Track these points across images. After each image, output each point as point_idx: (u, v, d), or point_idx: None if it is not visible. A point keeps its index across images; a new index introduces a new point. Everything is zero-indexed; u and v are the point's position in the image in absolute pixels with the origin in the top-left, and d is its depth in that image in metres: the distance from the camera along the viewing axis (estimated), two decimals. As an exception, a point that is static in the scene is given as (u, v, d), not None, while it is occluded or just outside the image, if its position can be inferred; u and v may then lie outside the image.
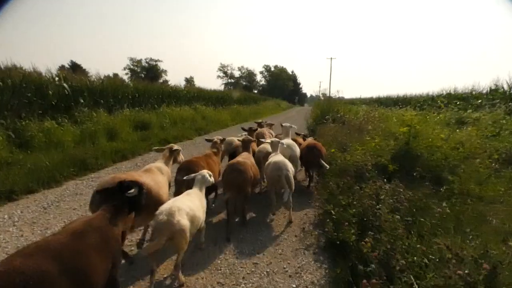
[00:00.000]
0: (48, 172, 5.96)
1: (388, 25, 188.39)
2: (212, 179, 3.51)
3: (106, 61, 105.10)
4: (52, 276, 1.55)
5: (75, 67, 48.49)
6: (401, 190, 3.54)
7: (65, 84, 9.21)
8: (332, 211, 3.68)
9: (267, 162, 4.57)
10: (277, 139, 5.16)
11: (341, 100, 14.85)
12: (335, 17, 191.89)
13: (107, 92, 11.28)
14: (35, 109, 7.81)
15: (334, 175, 5.01)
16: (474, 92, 15.45)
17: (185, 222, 2.68)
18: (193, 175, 3.47)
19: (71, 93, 9.38)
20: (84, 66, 45.43)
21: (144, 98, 13.15)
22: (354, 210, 3.42)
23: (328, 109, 13.91)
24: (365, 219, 3.21)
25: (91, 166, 6.96)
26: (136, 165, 7.71)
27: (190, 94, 18.25)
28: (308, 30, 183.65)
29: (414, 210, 3.42)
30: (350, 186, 4.13)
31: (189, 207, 2.85)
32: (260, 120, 9.74)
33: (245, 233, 4.07)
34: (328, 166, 5.10)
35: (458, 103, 15.15)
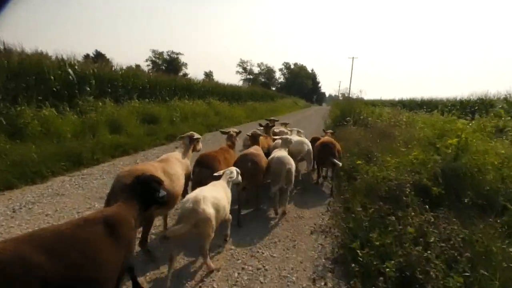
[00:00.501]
0: (35, 165, 5.32)
1: (412, 25, 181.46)
2: (240, 178, 3.58)
3: (130, 52, 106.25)
4: (31, 262, 1.47)
5: (99, 57, 49.12)
6: (456, 227, 2.57)
7: (70, 70, 8.60)
8: (359, 251, 2.70)
9: (270, 157, 4.59)
10: (288, 137, 5.11)
11: (360, 101, 13.63)
12: (358, 16, 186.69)
13: (117, 81, 10.67)
14: (33, 95, 7.20)
15: (359, 192, 4.05)
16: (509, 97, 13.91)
17: (210, 210, 2.73)
18: (222, 171, 3.54)
19: (76, 80, 8.77)
20: (108, 56, 45.97)
21: (156, 90, 12.46)
22: (392, 260, 2.41)
23: (349, 110, 12.81)
24: (408, 273, 2.27)
25: (86, 161, 6.30)
26: (136, 161, 7.00)
27: (205, 88, 17.50)
28: (330, 29, 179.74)
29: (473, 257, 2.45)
30: (383, 215, 3.18)
31: (214, 197, 2.89)
32: (272, 118, 9.05)
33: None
34: (340, 164, 5.14)
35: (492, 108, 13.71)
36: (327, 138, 6.16)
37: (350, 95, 14.28)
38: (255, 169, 4.03)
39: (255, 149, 4.62)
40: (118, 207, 2.11)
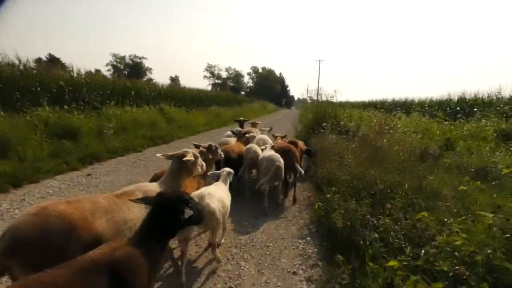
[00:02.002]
0: None
1: (377, 26, 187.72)
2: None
3: (89, 57, 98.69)
4: None
5: (53, 61, 44.06)
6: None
7: None
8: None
9: (261, 157, 4.87)
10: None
11: (335, 103, 11.67)
12: (323, 20, 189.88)
13: (14, 82, 7.66)
14: None
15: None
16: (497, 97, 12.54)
17: (214, 205, 2.79)
18: (218, 171, 3.64)
19: None
20: (63, 60, 41.26)
21: (81, 94, 9.48)
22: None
23: (323, 114, 10.67)
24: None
25: None
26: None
27: (155, 92, 14.63)
28: (297, 33, 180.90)
29: None
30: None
31: (219, 195, 3.01)
32: (241, 118, 8.88)
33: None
34: (303, 172, 5.23)
35: (476, 109, 12.27)
36: (282, 142, 6.02)
37: (322, 97, 11.88)
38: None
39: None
40: (135, 243, 1.66)
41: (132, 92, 12.88)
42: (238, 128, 6.65)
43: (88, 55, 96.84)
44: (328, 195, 4.01)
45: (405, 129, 8.43)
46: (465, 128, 8.81)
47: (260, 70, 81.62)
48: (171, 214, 1.82)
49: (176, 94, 16.79)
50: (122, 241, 1.71)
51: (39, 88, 7.98)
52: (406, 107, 18.06)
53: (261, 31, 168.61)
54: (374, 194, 3.62)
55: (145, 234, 1.75)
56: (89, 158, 7.04)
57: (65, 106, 8.49)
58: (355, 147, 6.27)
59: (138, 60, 64.39)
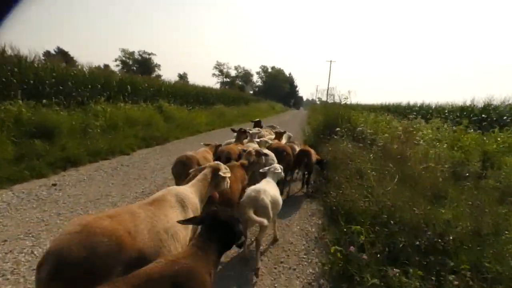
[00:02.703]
0: None
1: (391, 29, 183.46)
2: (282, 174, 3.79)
3: (99, 52, 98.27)
4: None
5: (62, 54, 43.58)
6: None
7: None
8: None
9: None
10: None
11: (349, 106, 10.40)
12: (336, 21, 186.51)
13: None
14: None
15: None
16: None
17: (267, 201, 2.97)
18: (266, 168, 3.70)
19: None
20: (72, 54, 40.79)
21: (66, 87, 8.42)
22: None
23: (336, 117, 9.44)
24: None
25: None
26: None
27: (155, 88, 13.55)
28: (308, 33, 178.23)
29: None
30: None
31: (273, 192, 3.20)
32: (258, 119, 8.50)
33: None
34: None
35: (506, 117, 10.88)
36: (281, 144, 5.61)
37: (334, 98, 10.55)
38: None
39: None
40: (193, 257, 1.62)
41: (128, 87, 11.86)
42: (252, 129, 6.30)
43: (98, 50, 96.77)
44: (347, 237, 2.85)
45: (433, 139, 7.18)
46: (499, 139, 7.49)
47: (270, 70, 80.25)
48: (227, 234, 1.81)
49: (178, 91, 15.72)
50: (178, 255, 1.67)
51: (13, 79, 6.93)
52: (423, 112, 16.65)
53: (271, 30, 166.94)
54: (422, 250, 2.42)
55: (201, 249, 1.70)
56: (63, 162, 5.98)
57: (44, 101, 7.44)
58: (376, 161, 5.07)
59: (147, 56, 63.66)
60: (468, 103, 13.67)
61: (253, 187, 3.12)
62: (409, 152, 5.50)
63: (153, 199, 2.19)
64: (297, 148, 5.81)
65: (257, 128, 7.06)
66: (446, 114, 14.00)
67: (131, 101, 11.39)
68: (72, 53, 41.40)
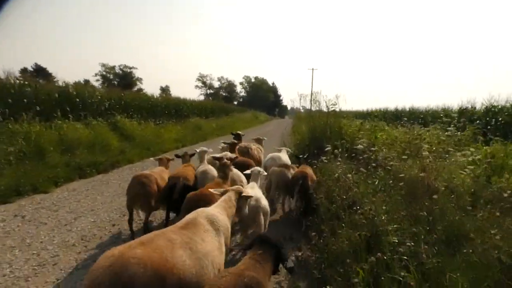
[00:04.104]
0: None
1: (369, 34, 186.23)
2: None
3: (77, 67, 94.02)
4: None
5: (39, 71, 40.76)
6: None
7: None
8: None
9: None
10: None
11: (338, 114, 8.57)
12: (316, 30, 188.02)
13: None
14: None
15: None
16: None
17: (267, 205, 3.30)
18: (249, 171, 3.79)
19: None
20: (50, 70, 38.16)
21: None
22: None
23: (323, 128, 7.58)
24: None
25: None
26: None
27: (111, 101, 11.34)
28: (289, 41, 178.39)
29: None
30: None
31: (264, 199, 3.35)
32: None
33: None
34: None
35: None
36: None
37: (319, 105, 8.65)
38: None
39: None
40: (255, 269, 1.74)
41: (77, 100, 9.69)
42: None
43: (77, 66, 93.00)
44: None
45: (446, 152, 5.35)
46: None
47: (253, 80, 79.10)
48: (276, 253, 1.97)
49: (143, 104, 13.57)
50: (238, 268, 1.77)
51: None
52: (413, 117, 15.12)
53: (253, 40, 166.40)
54: None
55: (259, 262, 1.82)
56: None
57: None
58: (395, 204, 3.15)
59: (128, 70, 61.26)
60: (465, 105, 12.08)
61: (252, 192, 2.97)
62: (436, 182, 3.63)
63: (186, 223, 2.01)
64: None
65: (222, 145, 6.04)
66: (443, 119, 12.39)
67: (76, 117, 9.18)
68: (50, 69, 38.84)
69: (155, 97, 16.21)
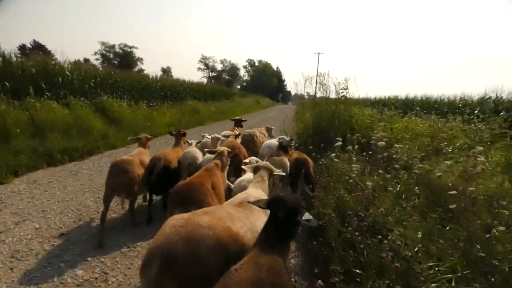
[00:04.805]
0: None
1: (378, 20, 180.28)
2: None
3: (79, 46, 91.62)
4: None
5: (38, 48, 39.44)
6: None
7: None
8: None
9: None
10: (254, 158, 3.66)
11: (348, 101, 7.53)
12: (322, 13, 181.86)
13: None
14: None
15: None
16: None
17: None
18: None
19: None
20: (49, 47, 36.82)
21: None
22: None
23: (331, 117, 6.58)
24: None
25: None
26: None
27: (97, 80, 10.29)
28: (295, 24, 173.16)
29: None
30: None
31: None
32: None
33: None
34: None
35: None
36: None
37: (328, 90, 7.56)
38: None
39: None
40: (270, 256, 1.46)
41: (60, 79, 8.68)
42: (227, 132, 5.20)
43: (79, 45, 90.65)
44: None
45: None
46: None
47: (257, 63, 77.06)
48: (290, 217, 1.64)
49: (135, 83, 12.50)
50: (254, 250, 1.53)
51: None
52: (428, 107, 13.97)
53: (258, 22, 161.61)
54: None
55: (275, 239, 1.59)
56: None
57: None
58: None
59: (128, 50, 59.59)
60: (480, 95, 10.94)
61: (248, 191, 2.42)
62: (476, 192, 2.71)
63: (239, 201, 2.09)
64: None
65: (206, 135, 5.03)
66: (462, 109, 11.23)
67: (54, 96, 8.20)
68: (49, 46, 37.52)
69: (151, 77, 15.09)
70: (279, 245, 1.56)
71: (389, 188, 3.12)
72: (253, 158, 3.52)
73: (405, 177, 3.46)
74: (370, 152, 4.07)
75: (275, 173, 2.66)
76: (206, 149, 3.78)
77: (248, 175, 3.13)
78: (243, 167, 3.39)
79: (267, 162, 2.87)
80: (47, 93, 8.10)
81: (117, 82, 11.42)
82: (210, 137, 4.70)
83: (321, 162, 4.55)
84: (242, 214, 1.90)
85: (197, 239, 1.51)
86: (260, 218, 1.95)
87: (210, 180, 2.66)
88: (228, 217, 1.77)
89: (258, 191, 2.33)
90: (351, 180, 3.08)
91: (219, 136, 4.66)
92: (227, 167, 3.28)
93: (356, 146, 4.38)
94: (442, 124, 6.65)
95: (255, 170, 2.65)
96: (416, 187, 3.29)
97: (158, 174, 3.47)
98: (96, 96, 9.72)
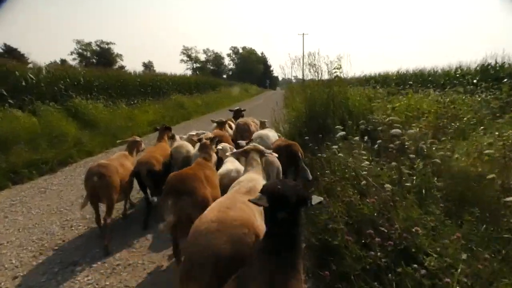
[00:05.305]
0: None
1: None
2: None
3: (52, 47, 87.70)
4: None
5: (9, 52, 37.31)
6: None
7: None
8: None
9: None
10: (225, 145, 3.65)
11: (343, 81, 6.93)
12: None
13: None
14: None
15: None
16: None
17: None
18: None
19: None
20: (22, 51, 34.67)
21: None
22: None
23: (327, 100, 6.00)
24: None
25: None
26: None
27: (66, 81, 9.40)
28: (277, 7, 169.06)
29: None
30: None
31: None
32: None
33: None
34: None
35: None
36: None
37: (320, 71, 6.95)
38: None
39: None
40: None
41: (23, 81, 7.83)
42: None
43: (53, 45, 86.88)
44: None
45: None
46: None
47: (241, 51, 75.38)
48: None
49: (110, 81, 11.60)
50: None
51: None
52: (422, 80, 13.46)
53: (238, 7, 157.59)
54: None
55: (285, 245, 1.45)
56: None
57: None
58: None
59: (106, 46, 57.25)
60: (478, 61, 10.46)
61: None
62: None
63: (247, 190, 2.06)
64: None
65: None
66: (460, 79, 10.70)
67: (19, 104, 7.38)
68: (23, 50, 35.41)
69: (129, 73, 14.18)
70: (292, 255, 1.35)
71: (406, 184, 2.59)
72: (225, 145, 3.48)
73: (420, 167, 2.93)
74: (379, 140, 3.49)
75: (266, 154, 2.63)
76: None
77: (234, 165, 3.10)
78: (220, 155, 3.37)
79: (256, 144, 2.78)
80: (9, 100, 7.29)
81: (91, 82, 10.54)
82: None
83: (319, 155, 4.00)
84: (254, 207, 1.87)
85: (238, 238, 1.52)
86: None
87: (203, 172, 2.65)
88: (248, 209, 1.77)
89: (261, 178, 2.30)
90: (363, 182, 2.52)
91: (193, 133, 4.55)
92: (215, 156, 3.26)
93: (355, 130, 3.83)
94: (450, 97, 6.13)
95: (245, 154, 2.60)
96: (435, 178, 2.78)
97: (146, 180, 3.55)
98: (67, 99, 8.90)
